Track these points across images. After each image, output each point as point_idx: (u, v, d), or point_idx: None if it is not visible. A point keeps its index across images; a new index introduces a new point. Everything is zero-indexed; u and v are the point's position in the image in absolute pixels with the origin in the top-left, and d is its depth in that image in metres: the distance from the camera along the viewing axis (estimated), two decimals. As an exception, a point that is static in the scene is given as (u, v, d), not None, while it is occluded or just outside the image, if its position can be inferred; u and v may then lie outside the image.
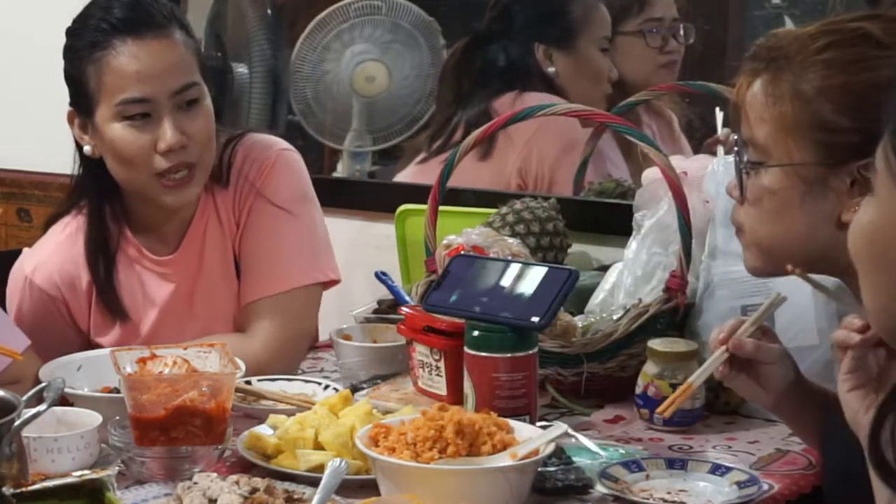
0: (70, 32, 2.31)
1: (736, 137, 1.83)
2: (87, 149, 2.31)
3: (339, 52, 3.50)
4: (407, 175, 3.23)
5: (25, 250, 2.44)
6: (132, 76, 2.23)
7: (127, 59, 2.23)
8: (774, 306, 1.83)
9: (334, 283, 2.41)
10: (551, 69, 3.17)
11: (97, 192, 2.35)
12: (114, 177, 2.31)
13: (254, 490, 1.71)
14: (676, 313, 2.20)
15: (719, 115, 2.67)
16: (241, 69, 3.47)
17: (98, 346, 2.36)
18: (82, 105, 2.29)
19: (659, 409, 1.89)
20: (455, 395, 2.00)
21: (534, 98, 3.02)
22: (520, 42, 3.18)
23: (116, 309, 2.35)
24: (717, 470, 1.86)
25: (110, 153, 2.28)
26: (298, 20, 3.53)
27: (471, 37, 3.23)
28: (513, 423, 1.82)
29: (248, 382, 2.18)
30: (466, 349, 1.97)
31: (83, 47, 2.27)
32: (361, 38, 3.49)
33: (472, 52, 3.20)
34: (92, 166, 2.33)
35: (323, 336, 2.54)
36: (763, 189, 1.77)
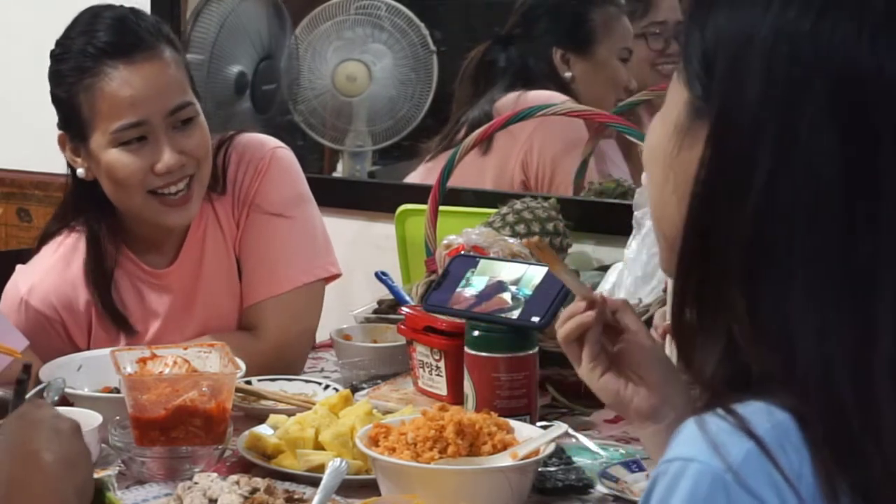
0: (55, 57, 2.27)
1: None
2: (80, 171, 2.28)
3: (325, 52, 3.50)
4: (416, 175, 3.23)
5: (19, 268, 2.40)
6: (126, 101, 2.20)
7: (119, 84, 2.20)
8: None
9: (336, 276, 2.42)
10: (568, 74, 3.17)
11: (92, 212, 2.33)
12: (110, 199, 2.29)
13: (254, 490, 1.71)
14: (677, 313, 2.19)
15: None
16: (240, 69, 3.46)
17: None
18: (75, 130, 2.26)
19: None
20: (455, 395, 2.00)
21: (536, 97, 3.02)
22: (537, 46, 3.18)
23: (121, 323, 2.34)
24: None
25: (106, 177, 2.25)
26: (299, 20, 3.53)
27: (491, 40, 3.23)
28: (513, 423, 1.82)
29: (249, 382, 2.18)
30: (466, 349, 1.97)
31: (71, 72, 2.23)
32: (348, 38, 3.50)
33: (491, 55, 3.21)
34: (86, 187, 2.31)
35: (323, 336, 2.54)
36: None
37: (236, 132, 2.44)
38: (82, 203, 2.34)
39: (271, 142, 2.43)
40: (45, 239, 2.40)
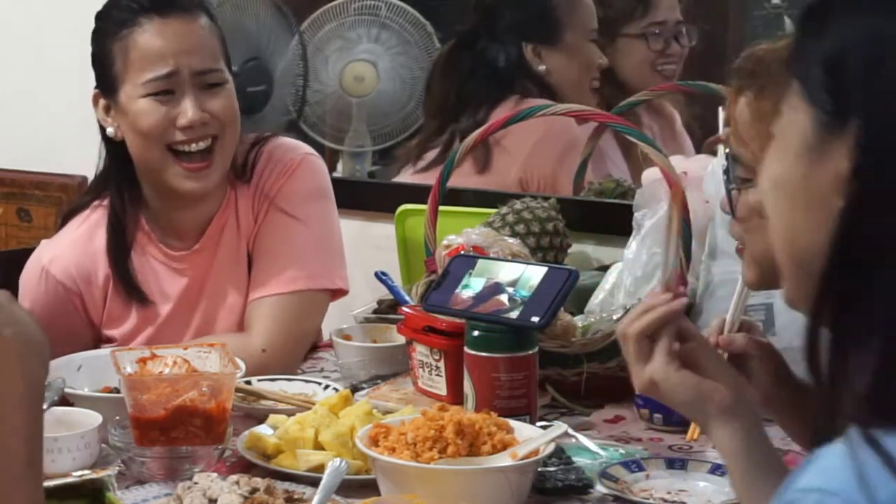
0: (98, 16, 2.35)
1: (727, 151, 1.78)
2: (109, 130, 2.34)
3: (330, 52, 3.50)
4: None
5: (43, 242, 2.46)
6: (157, 52, 2.26)
7: (152, 35, 2.27)
8: (744, 296, 1.78)
9: (342, 293, 2.42)
10: (541, 67, 3.16)
11: (120, 179, 2.37)
12: (133, 158, 2.33)
13: (254, 490, 1.71)
14: (676, 313, 2.19)
15: (721, 115, 2.67)
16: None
17: (109, 338, 2.39)
18: (107, 85, 2.32)
19: (688, 437, 1.81)
20: (455, 395, 2.00)
21: (534, 105, 3.01)
22: (506, 43, 3.17)
23: (135, 294, 2.36)
24: (717, 470, 1.86)
25: (131, 129, 2.30)
26: (301, 20, 3.53)
27: (455, 41, 3.22)
28: (513, 423, 1.82)
29: (248, 382, 2.18)
30: (466, 349, 1.97)
31: (110, 27, 2.31)
32: (352, 38, 3.50)
33: (458, 56, 3.19)
34: (115, 153, 2.36)
35: (323, 336, 2.54)
36: (751, 207, 1.72)
37: (273, 133, 2.48)
38: (111, 170, 2.38)
39: (304, 147, 2.48)
40: (71, 213, 2.45)
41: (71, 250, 2.39)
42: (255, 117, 3.41)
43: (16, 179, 3.69)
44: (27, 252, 2.49)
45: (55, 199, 3.53)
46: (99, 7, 2.36)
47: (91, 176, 2.46)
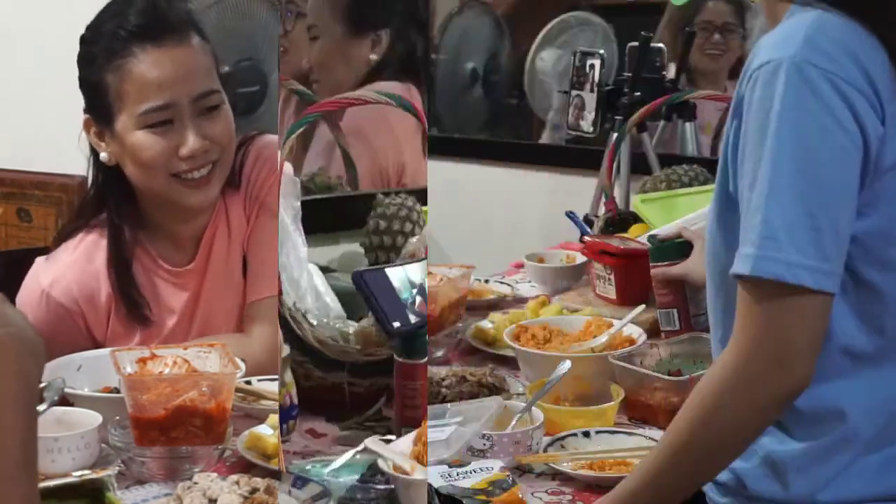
0: (85, 40, 2.30)
1: None
2: (103, 156, 2.30)
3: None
4: None
5: (38, 260, 2.40)
6: (153, 83, 2.22)
7: (147, 66, 2.23)
8: None
9: None
10: None
11: (114, 203, 2.34)
12: (132, 182, 2.31)
13: (254, 490, 1.71)
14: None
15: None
16: (225, 69, 3.46)
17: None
18: (100, 113, 2.28)
19: None
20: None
21: None
22: None
23: (139, 314, 2.35)
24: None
25: (130, 159, 2.27)
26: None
27: None
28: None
29: (248, 382, 2.18)
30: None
31: (100, 55, 2.26)
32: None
33: None
34: (109, 174, 2.33)
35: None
36: None
37: (259, 133, 2.46)
38: (104, 193, 2.35)
39: None
40: (65, 235, 2.40)
41: (70, 271, 2.35)
42: (250, 118, 3.41)
43: (16, 179, 3.69)
44: (27, 252, 2.47)
45: (55, 199, 3.54)
46: (99, 7, 2.34)
47: (91, 176, 2.44)
